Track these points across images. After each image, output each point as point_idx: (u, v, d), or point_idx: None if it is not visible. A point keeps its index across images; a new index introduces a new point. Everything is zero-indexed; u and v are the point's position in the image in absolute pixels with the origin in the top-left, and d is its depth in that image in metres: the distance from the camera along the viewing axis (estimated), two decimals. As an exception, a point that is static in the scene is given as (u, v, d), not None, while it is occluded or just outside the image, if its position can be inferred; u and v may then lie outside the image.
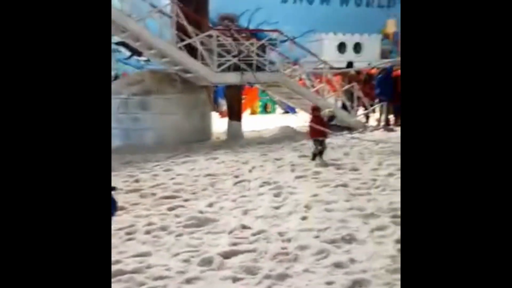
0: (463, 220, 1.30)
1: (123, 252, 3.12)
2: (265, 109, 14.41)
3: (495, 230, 1.28)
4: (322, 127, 6.09)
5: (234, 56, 8.35)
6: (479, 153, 1.31)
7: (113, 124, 7.66)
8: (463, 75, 1.34)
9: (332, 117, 6.57)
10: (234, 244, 3.22)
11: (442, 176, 1.32)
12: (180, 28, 7.96)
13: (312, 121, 6.27)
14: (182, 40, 8.03)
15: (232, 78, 8.37)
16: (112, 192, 1.84)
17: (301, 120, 10.17)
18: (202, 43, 8.10)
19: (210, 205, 4.23)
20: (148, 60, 14.91)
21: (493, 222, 1.28)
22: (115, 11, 7.22)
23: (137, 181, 5.22)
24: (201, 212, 3.98)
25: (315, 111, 6.35)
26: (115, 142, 7.63)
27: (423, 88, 1.38)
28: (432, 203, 1.32)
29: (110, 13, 1.74)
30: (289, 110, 12.84)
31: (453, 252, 1.30)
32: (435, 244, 1.31)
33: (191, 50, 8.07)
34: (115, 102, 7.79)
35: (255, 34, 11.10)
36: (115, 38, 18.01)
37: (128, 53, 12.45)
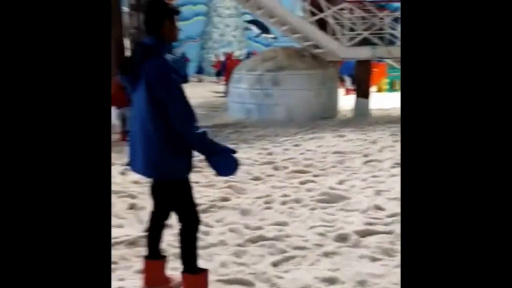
0: (463, 216, 1.30)
1: (263, 219, 3.36)
2: (392, 87, 13.63)
3: (498, 232, 1.27)
4: None
5: (365, 29, 8.04)
6: (480, 152, 1.30)
7: (249, 100, 8.16)
8: (463, 73, 1.32)
9: None
10: (369, 223, 3.20)
11: (442, 173, 1.32)
12: (313, 2, 7.93)
13: None
14: (313, 14, 8.00)
15: (364, 52, 8.09)
16: (235, 155, 2.07)
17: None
18: (333, 17, 7.97)
19: (340, 182, 4.25)
20: (275, 38, 15.20)
21: (496, 224, 1.28)
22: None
23: (270, 154, 5.50)
24: (332, 188, 4.03)
25: None
26: (251, 116, 8.09)
27: (424, 86, 1.36)
28: (432, 200, 1.32)
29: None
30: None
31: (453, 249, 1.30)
32: (435, 243, 1.32)
33: (321, 25, 8.00)
34: (251, 78, 8.17)
35: (384, 5, 10.46)
36: (247, 17, 18.77)
37: (257, 31, 12.91)
